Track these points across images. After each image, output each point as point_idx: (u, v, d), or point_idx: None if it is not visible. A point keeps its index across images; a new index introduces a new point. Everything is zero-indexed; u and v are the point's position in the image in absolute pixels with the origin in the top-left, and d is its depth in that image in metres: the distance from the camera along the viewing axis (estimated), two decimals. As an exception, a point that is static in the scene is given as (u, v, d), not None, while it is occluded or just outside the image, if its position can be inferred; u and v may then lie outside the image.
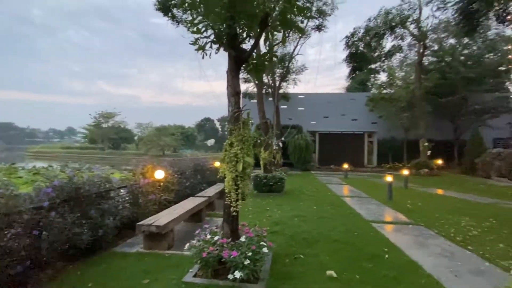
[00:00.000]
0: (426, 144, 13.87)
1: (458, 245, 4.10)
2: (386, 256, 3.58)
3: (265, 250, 2.82)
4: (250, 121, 3.29)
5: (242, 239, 2.93)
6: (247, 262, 2.62)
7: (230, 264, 2.69)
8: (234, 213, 3.03)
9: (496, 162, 12.50)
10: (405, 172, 10.13)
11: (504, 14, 8.84)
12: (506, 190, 9.32)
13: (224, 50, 3.23)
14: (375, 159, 17.55)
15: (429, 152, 13.90)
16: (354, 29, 15.51)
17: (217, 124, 79.42)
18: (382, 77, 19.06)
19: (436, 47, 15.62)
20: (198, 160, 9.13)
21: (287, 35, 3.78)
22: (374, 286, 2.77)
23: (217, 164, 9.16)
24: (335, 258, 3.45)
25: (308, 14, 2.59)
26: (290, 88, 17.94)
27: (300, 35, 12.27)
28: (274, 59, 3.45)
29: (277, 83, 15.25)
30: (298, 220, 5.19)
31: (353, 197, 7.99)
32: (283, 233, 4.38)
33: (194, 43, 3.11)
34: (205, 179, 7.78)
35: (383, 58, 15.79)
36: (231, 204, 2.99)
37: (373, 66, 19.95)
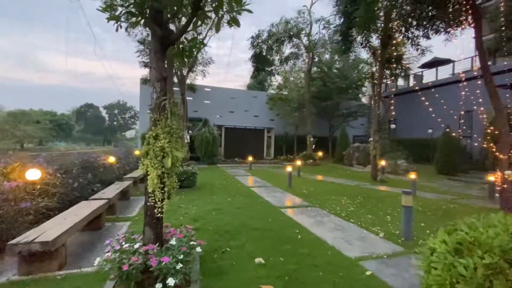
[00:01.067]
0: (312, 139, 16.69)
1: (344, 219, 5.16)
2: (299, 236, 4.09)
3: (198, 249, 2.65)
4: (178, 111, 2.98)
5: (172, 242, 2.64)
6: (179, 266, 2.39)
7: (159, 272, 2.38)
8: (159, 215, 2.69)
9: (356, 154, 16.47)
10: (299, 162, 11.84)
11: (366, 42, 11.68)
12: (363, 175, 12.45)
13: (146, 26, 2.77)
14: (273, 152, 19.62)
15: (313, 146, 16.80)
16: (259, 31, 16.66)
17: (104, 112, 67.60)
18: (278, 79, 21.41)
19: (320, 59, 18.94)
20: (87, 156, 7.52)
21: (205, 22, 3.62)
22: (296, 264, 3.12)
23: (111, 159, 7.84)
24: (259, 245, 3.66)
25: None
26: (197, 79, 17.40)
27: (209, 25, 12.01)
28: (203, 47, 3.23)
29: (185, 73, 14.45)
30: (216, 214, 5.16)
31: (260, 187, 8.64)
32: (205, 228, 4.25)
33: (106, 9, 2.50)
34: (98, 178, 6.51)
35: (283, 63, 17.74)
36: (156, 205, 2.64)
37: (272, 68, 22.05)
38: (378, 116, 11.57)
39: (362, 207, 6.21)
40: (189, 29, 2.87)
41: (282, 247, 3.62)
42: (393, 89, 19.07)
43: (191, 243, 2.74)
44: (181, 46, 3.08)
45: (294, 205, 6.34)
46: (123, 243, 2.64)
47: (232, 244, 3.65)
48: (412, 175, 8.15)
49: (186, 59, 3.34)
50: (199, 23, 3.06)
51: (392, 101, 16.61)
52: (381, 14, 10.19)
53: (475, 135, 12.59)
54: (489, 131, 8.00)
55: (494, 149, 6.49)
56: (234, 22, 2.83)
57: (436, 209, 6.18)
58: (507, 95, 10.65)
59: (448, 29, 9.07)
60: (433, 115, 13.60)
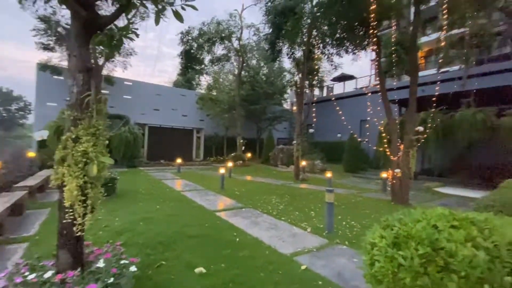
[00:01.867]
0: (242, 141, 17.11)
1: (276, 218, 5.48)
2: (237, 239, 4.11)
3: (132, 268, 2.33)
4: (105, 109, 2.56)
5: (99, 264, 2.23)
6: (110, 291, 2.05)
7: (83, 303, 1.97)
8: (79, 233, 2.24)
9: (280, 155, 17.77)
10: (230, 164, 11.93)
11: (291, 53, 12.80)
12: (287, 174, 13.52)
13: (64, 3, 2.28)
14: (202, 153, 19.14)
15: (243, 147, 17.25)
16: (189, 27, 15.96)
17: (-27, 102, 51.75)
18: (208, 79, 21.05)
19: (248, 64, 19.64)
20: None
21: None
22: (238, 269, 3.12)
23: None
24: (198, 254, 3.49)
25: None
26: (116, 71, 15.30)
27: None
28: (135, 37, 2.85)
29: (100, 62, 12.46)
30: (145, 224, 4.65)
31: (191, 190, 8.28)
32: (134, 242, 3.77)
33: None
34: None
35: (215, 63, 17.51)
36: (76, 222, 2.19)
37: (201, 67, 21.51)
38: (301, 121, 12.81)
39: (290, 204, 6.72)
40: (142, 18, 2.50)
41: (222, 252, 3.56)
42: (315, 98, 21.45)
43: (122, 262, 2.39)
44: (109, 33, 2.67)
45: (229, 207, 6.33)
46: (27, 273, 2.08)
47: (168, 256, 3.37)
48: (328, 174, 9.36)
49: (114, 50, 2.92)
50: (133, 11, 2.72)
51: (314, 109, 18.66)
52: (305, 30, 11.32)
53: (372, 140, 15.43)
54: (382, 137, 9.95)
55: (387, 152, 8.12)
56: (177, 16, 2.63)
57: (347, 203, 7.27)
58: (395, 109, 13.49)
59: (355, 51, 10.81)
60: (342, 122, 15.97)
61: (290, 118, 23.18)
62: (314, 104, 19.36)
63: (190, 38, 16.31)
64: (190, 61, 18.49)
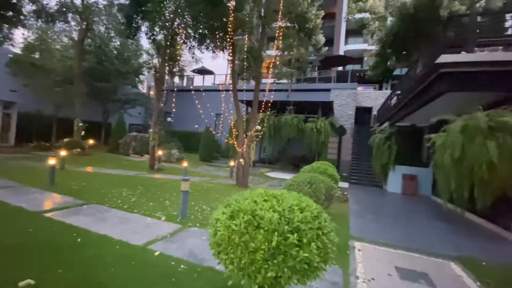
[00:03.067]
0: (81, 124, 14.03)
1: (127, 211, 5.23)
2: (79, 240, 3.66)
3: None
4: None
5: None
6: None
7: None
8: None
9: (133, 143, 16.23)
10: (63, 153, 9.62)
11: (152, 34, 11.91)
12: (141, 164, 12.67)
13: None
14: (14, 136, 13.98)
15: (83, 132, 14.21)
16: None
17: None
18: (28, 35, 15.34)
19: (96, 32, 16.21)
20: None
21: None
22: (84, 269, 2.87)
23: None
24: (24, 265, 2.85)
25: None
26: None
27: None
28: None
29: None
30: None
31: (0, 188, 6.09)
32: None
33: None
34: None
35: (43, 18, 12.87)
36: None
37: (17, 17, 15.34)
38: (159, 108, 12.34)
39: (143, 196, 6.55)
40: None
41: (59, 257, 3.09)
42: (174, 86, 20.91)
43: None
44: None
45: (64, 205, 5.29)
46: None
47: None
48: (185, 163, 9.77)
49: None
50: None
51: (174, 97, 18.21)
52: (168, 15, 10.90)
53: (224, 132, 17.34)
54: (232, 131, 11.55)
55: (234, 144, 9.57)
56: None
57: (200, 189, 8.00)
58: (244, 108, 15.80)
59: (215, 49, 11.70)
60: (200, 114, 16.82)
61: (147, 103, 21.50)
62: (174, 93, 19.01)
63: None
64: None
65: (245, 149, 8.93)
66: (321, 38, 14.65)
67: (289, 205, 1.91)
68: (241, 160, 8.75)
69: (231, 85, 10.01)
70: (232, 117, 12.83)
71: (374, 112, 17.36)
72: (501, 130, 5.00)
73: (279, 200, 2.01)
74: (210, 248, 1.98)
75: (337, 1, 24.65)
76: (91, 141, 15.42)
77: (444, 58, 5.54)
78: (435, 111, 7.43)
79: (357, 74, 20.92)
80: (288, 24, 9.19)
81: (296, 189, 4.29)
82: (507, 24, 9.17)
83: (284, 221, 1.80)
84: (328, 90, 17.14)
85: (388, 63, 15.44)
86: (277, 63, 12.60)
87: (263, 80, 20.01)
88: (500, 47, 6.40)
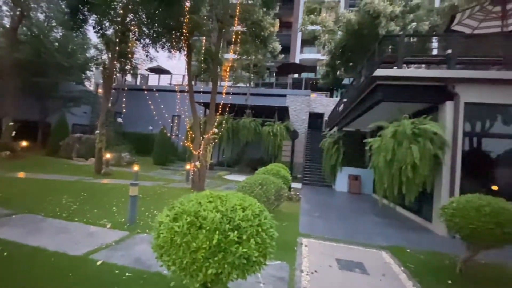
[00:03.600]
0: (11, 123, 12.24)
1: (67, 220, 4.79)
2: (5, 253, 3.25)
3: None
4: None
5: None
6: None
7: None
8: None
9: (77, 145, 14.74)
10: (-14, 156, 8.32)
11: (100, 28, 11.03)
12: (86, 168, 11.58)
13: None
14: None
15: (14, 133, 12.41)
16: None
17: None
18: None
19: (33, 20, 14.37)
20: None
21: None
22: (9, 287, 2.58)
23: None
24: None
25: None
26: None
27: None
28: None
29: None
30: None
31: None
32: None
33: None
34: None
35: None
36: None
37: None
38: (108, 108, 11.47)
39: (87, 203, 6.05)
40: None
41: (-23, 275, 2.72)
42: (126, 84, 19.57)
43: None
44: None
45: (-15, 217, 4.61)
46: None
47: None
48: (136, 167, 9.24)
49: None
50: None
51: (125, 96, 17.02)
52: (119, 9, 10.26)
53: (180, 135, 16.85)
54: (189, 133, 11.31)
55: (191, 146, 9.40)
56: None
57: (153, 194, 7.68)
58: (201, 110, 15.57)
59: (171, 49, 11.37)
60: (155, 114, 16.06)
61: (94, 102, 19.75)
62: (125, 91, 17.80)
63: None
64: None
65: (201, 152, 8.84)
66: (278, 46, 15.31)
67: (232, 205, 2.02)
68: (197, 163, 8.64)
69: (188, 86, 9.83)
70: (187, 119, 12.49)
71: (326, 118, 18.67)
72: (422, 135, 5.88)
73: (223, 200, 2.10)
74: (153, 251, 1.98)
75: (293, 11, 26.01)
76: (24, 143, 13.57)
77: (380, 72, 6.30)
78: (374, 118, 8.35)
79: (311, 82, 22.28)
80: (245, 30, 9.43)
81: (248, 190, 4.45)
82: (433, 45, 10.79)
83: (226, 220, 1.90)
84: (284, 95, 17.92)
85: (338, 73, 16.82)
86: (235, 67, 12.78)
87: (222, 83, 20.00)
88: (423, 65, 7.52)
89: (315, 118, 19.09)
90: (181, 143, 15.06)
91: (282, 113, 15.76)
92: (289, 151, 9.72)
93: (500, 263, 4.32)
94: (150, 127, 18.18)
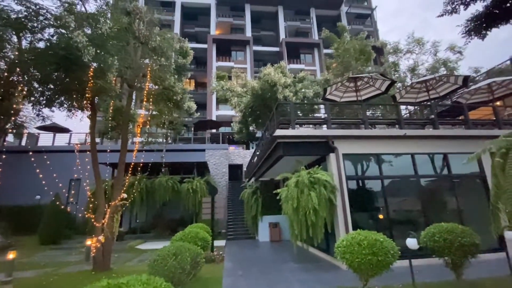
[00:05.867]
0: None
1: None
2: None
3: None
4: None
5: None
6: None
7: None
8: None
9: None
10: None
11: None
12: None
13: None
14: None
15: None
16: None
17: None
18: None
19: None
20: None
21: None
22: None
23: None
24: None
25: None
26: None
27: None
28: None
29: None
30: None
31: None
32: None
33: None
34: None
35: None
36: None
37: None
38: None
39: None
40: None
41: None
42: (4, 146, 15.89)
43: None
44: None
45: None
46: None
47: None
48: (11, 254, 7.14)
49: None
50: None
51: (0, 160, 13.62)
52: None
53: (80, 204, 14.29)
54: (91, 201, 9.80)
55: (92, 218, 8.10)
56: None
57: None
58: (108, 171, 13.93)
59: (71, 109, 10.33)
60: (46, 180, 13.34)
61: None
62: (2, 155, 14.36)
63: None
64: None
65: (106, 222, 7.72)
66: (193, 105, 16.07)
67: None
68: (101, 236, 7.43)
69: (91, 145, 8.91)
70: (88, 186, 10.74)
71: (244, 169, 19.71)
72: (317, 183, 7.02)
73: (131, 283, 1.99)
74: None
75: (207, 73, 28.50)
76: None
77: (278, 132, 7.48)
78: (282, 169, 9.49)
79: (227, 136, 23.68)
80: (157, 91, 9.65)
81: (161, 264, 4.12)
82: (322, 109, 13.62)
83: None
84: (203, 150, 18.25)
85: (250, 128, 18.65)
86: (149, 123, 12.47)
87: (135, 139, 18.91)
88: (311, 126, 9.38)
89: (235, 169, 19.83)
90: (80, 214, 12.67)
91: (202, 168, 15.78)
92: (209, 208, 9.61)
93: (386, 286, 5.23)
94: (38, 196, 14.77)
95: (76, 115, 11.17)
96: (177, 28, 31.73)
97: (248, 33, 33.91)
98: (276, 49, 34.52)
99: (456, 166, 8.06)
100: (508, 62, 15.04)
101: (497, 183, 3.38)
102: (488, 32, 7.55)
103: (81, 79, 7.42)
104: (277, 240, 12.07)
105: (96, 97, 9.59)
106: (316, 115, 16.59)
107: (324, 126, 8.61)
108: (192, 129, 24.43)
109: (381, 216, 7.55)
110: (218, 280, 6.25)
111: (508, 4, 7.12)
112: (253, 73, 29.52)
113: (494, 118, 8.99)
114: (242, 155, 20.48)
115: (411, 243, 4.81)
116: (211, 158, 17.93)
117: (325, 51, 31.97)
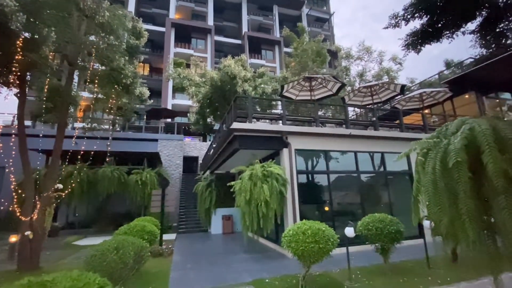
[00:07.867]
0: None
1: None
2: None
3: None
4: None
5: None
6: None
7: None
8: None
9: None
10: None
11: None
12: None
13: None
14: None
15: None
16: None
17: None
18: None
19: None
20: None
21: None
22: None
23: None
24: None
25: None
26: None
27: None
28: None
29: None
30: None
31: None
32: None
33: None
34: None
35: None
36: None
37: None
38: None
39: None
40: None
41: None
42: None
43: None
44: None
45: None
46: None
47: None
48: None
49: None
50: None
51: None
52: None
53: (3, 195, 12.33)
54: (19, 192, 8.51)
55: (18, 211, 7.07)
56: None
57: None
58: (40, 158, 12.22)
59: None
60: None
61: None
62: None
63: None
64: None
65: (36, 217, 6.82)
66: (146, 91, 15.00)
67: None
68: (29, 232, 6.54)
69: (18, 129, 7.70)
70: (13, 176, 9.19)
71: (200, 161, 19.26)
72: (270, 176, 7.26)
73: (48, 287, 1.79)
74: None
75: (163, 58, 26.82)
76: None
77: (236, 125, 7.47)
78: (237, 162, 9.53)
79: (183, 127, 22.79)
80: (104, 72, 8.73)
81: (99, 259, 3.80)
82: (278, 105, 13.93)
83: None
84: (156, 140, 17.25)
85: (208, 120, 18.23)
86: (94, 108, 11.23)
87: (76, 124, 17.00)
88: (267, 121, 9.59)
89: (190, 162, 19.24)
90: (3, 207, 10.95)
91: (154, 159, 14.93)
92: (159, 201, 9.17)
93: (325, 271, 5.71)
94: None
95: (-1, 92, 9.58)
96: (131, 6, 29.08)
97: (210, 21, 32.88)
98: (238, 41, 34.19)
99: (391, 164, 9.13)
100: (437, 76, 17.46)
101: (418, 178, 3.93)
102: (422, 48, 8.61)
103: (7, 49, 6.31)
104: (230, 232, 12.18)
105: (28, 73, 8.31)
106: (273, 111, 17.01)
107: (280, 122, 8.88)
108: (145, 117, 22.87)
109: (326, 208, 8.16)
110: (165, 273, 6.06)
111: (440, 25, 8.21)
112: (214, 64, 28.81)
113: (422, 124, 10.39)
114: (199, 147, 19.97)
115: (349, 231, 5.32)
116: (164, 149, 17.07)
117: (285, 49, 32.82)
